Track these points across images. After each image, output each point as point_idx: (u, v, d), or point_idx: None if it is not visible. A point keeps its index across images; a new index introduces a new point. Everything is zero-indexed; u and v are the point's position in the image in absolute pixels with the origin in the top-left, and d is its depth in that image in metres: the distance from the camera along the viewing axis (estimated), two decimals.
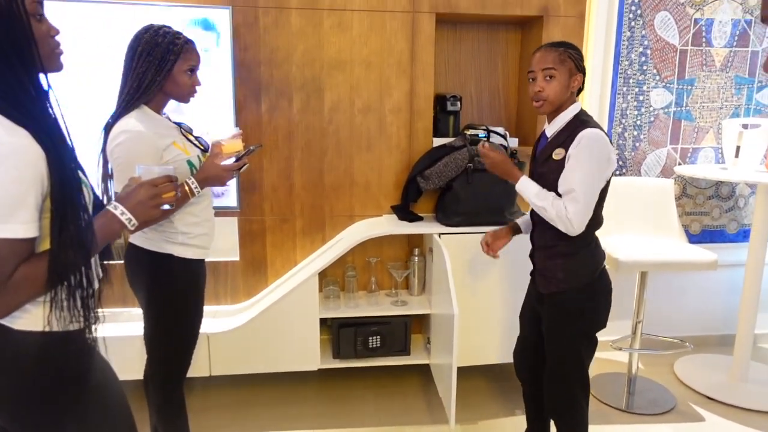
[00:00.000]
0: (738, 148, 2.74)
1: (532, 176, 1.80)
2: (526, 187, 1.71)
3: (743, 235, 3.18)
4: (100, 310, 1.55)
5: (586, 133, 1.60)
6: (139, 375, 1.98)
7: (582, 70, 1.69)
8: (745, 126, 2.74)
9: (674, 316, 3.23)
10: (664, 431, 2.42)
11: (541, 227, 1.78)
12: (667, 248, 2.61)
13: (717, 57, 2.99)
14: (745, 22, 2.96)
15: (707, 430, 2.43)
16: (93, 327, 1.09)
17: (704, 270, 2.53)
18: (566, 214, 1.61)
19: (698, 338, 3.20)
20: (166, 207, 1.19)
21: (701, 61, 2.98)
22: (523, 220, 1.96)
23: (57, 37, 1.09)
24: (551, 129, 1.73)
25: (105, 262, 1.28)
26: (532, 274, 1.91)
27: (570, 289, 1.72)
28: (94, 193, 1.21)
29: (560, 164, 1.65)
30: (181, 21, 2.37)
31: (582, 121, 1.67)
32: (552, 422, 2.08)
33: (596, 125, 1.65)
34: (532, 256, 1.88)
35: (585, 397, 1.81)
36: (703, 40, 2.96)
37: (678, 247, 2.65)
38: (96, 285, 1.12)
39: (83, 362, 1.11)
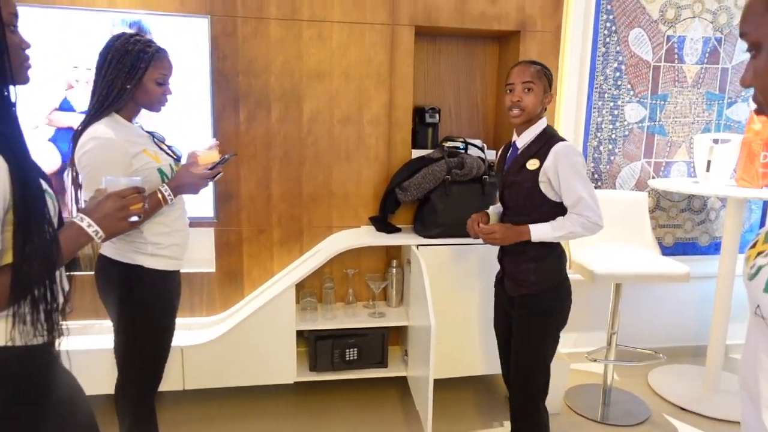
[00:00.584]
0: (709, 162, 2.80)
1: (503, 186, 1.87)
2: (542, 233, 1.76)
3: (715, 248, 3.25)
4: (65, 323, 1.51)
5: (560, 149, 1.74)
6: (109, 389, 1.93)
7: (551, 90, 1.82)
8: (715, 141, 2.81)
9: (648, 327, 3.28)
10: None
11: None
12: (641, 260, 2.64)
13: (689, 73, 3.06)
14: (716, 40, 3.04)
15: None
16: (57, 341, 1.06)
17: (677, 282, 2.57)
18: (589, 220, 1.72)
19: (672, 349, 3.25)
20: (134, 219, 1.18)
21: (674, 77, 3.05)
22: (492, 211, 2.04)
23: (27, 51, 1.07)
24: (522, 140, 1.84)
25: (72, 274, 1.26)
26: (500, 280, 1.96)
27: (541, 291, 1.81)
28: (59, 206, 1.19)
29: (534, 174, 1.76)
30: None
31: (551, 135, 1.81)
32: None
33: (562, 138, 1.80)
34: (501, 260, 1.93)
35: (543, 398, 1.87)
36: (676, 56, 3.03)
37: (652, 259, 2.69)
38: (61, 298, 1.09)
39: (46, 378, 1.08)
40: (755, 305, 0.70)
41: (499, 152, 2.00)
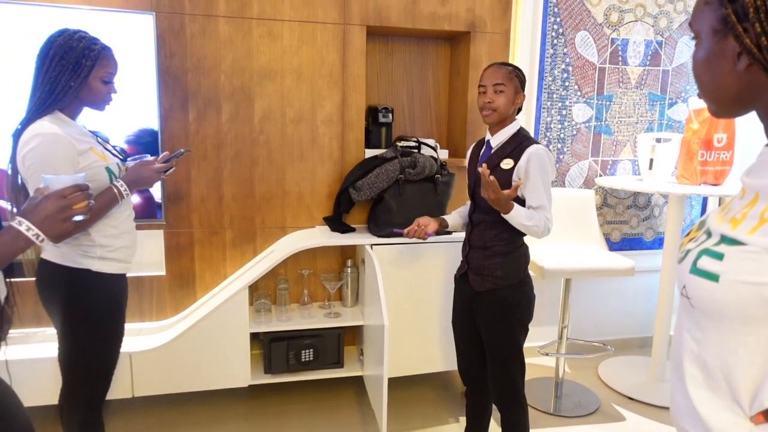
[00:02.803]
0: (651, 160, 2.91)
1: (475, 184, 1.90)
2: (518, 213, 1.78)
3: (659, 242, 3.38)
4: (3, 331, 1.45)
5: (535, 151, 1.80)
6: (53, 399, 1.86)
7: (522, 91, 1.87)
8: (657, 140, 2.92)
9: (598, 320, 3.38)
10: None
11: (479, 229, 1.90)
12: (589, 256, 2.73)
13: (632, 75, 3.18)
14: (657, 43, 3.17)
15: (628, 429, 2.55)
16: None
17: (623, 276, 2.66)
18: (549, 222, 1.82)
19: (620, 341, 3.37)
20: (78, 218, 1.12)
21: (618, 78, 3.16)
22: (452, 218, 2.08)
23: None
24: (496, 140, 1.88)
25: (10, 280, 1.20)
26: (462, 275, 1.97)
27: (506, 285, 1.86)
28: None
29: (509, 173, 1.82)
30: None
31: (525, 136, 1.87)
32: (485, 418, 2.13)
33: (537, 141, 1.86)
34: (467, 255, 1.95)
35: (523, 383, 1.93)
36: (620, 58, 3.14)
37: (599, 254, 2.77)
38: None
39: None
40: (682, 285, 0.74)
41: (470, 150, 2.04)
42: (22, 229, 1.04)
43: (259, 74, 2.52)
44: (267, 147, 2.59)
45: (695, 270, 0.71)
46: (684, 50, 3.21)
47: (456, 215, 2.11)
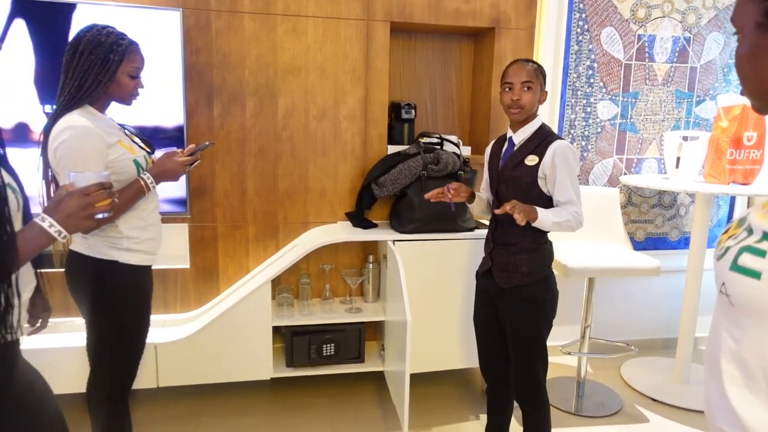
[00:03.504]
0: (678, 159, 2.87)
1: (499, 181, 1.89)
2: (546, 217, 1.77)
3: (684, 242, 3.32)
4: (44, 319, 1.47)
5: (559, 146, 1.79)
6: (81, 388, 1.90)
7: (545, 88, 1.88)
8: (684, 138, 2.88)
9: (621, 320, 3.34)
10: None
11: (504, 226, 1.88)
12: (613, 255, 2.70)
13: (659, 72, 3.13)
14: (685, 39, 3.12)
15: (652, 430, 2.52)
16: (12, 340, 1.03)
17: (648, 276, 2.63)
18: (580, 216, 1.81)
19: (643, 342, 3.32)
20: (101, 216, 1.14)
21: (644, 75, 3.11)
22: (479, 197, 2.03)
23: None
24: (519, 137, 1.88)
25: (40, 271, 1.22)
26: (486, 271, 1.96)
27: (532, 282, 1.85)
28: (26, 201, 1.15)
29: (533, 169, 1.81)
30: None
31: (548, 132, 1.86)
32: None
33: (560, 136, 1.85)
34: (490, 252, 1.94)
35: (545, 378, 1.92)
36: (646, 55, 3.09)
37: (623, 253, 2.74)
38: (22, 298, 1.05)
39: (4, 378, 1.04)
40: (721, 282, 0.72)
41: (490, 147, 2.03)
42: (45, 225, 1.05)
43: (283, 70, 2.53)
44: (290, 142, 2.60)
45: (736, 267, 0.69)
46: (712, 47, 3.15)
47: (484, 196, 2.04)
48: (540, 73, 1.85)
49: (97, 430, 1.90)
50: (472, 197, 1.99)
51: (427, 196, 1.93)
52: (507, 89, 1.84)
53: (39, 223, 1.05)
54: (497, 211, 1.75)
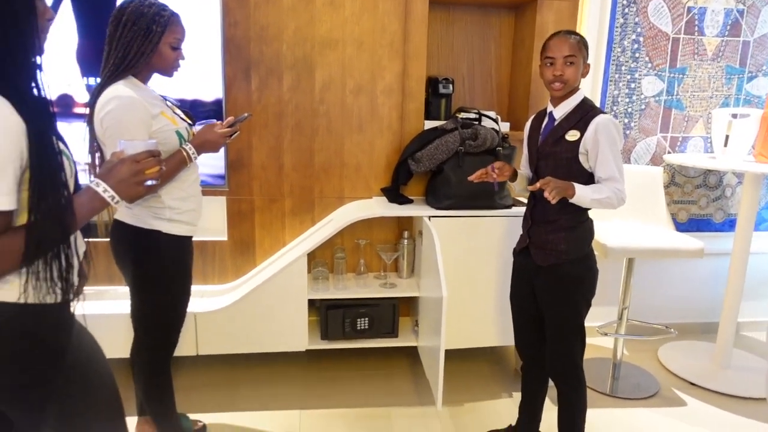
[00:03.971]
0: (727, 137, 2.75)
1: (538, 157, 1.85)
2: (584, 193, 1.72)
3: (729, 225, 3.21)
4: (81, 286, 1.53)
5: (602, 121, 1.73)
6: (125, 353, 1.96)
7: (587, 59, 1.80)
8: (734, 116, 2.76)
9: (659, 303, 3.27)
10: (647, 415, 2.45)
11: (542, 203, 1.83)
12: (654, 236, 2.62)
13: (709, 46, 3.00)
14: (738, 12, 2.97)
15: (689, 414, 2.47)
16: (71, 301, 1.07)
17: (691, 258, 2.55)
18: (622, 193, 1.75)
19: (682, 325, 3.24)
20: (150, 183, 1.17)
21: (693, 49, 2.99)
22: (519, 176, 1.96)
23: (49, 22, 1.06)
24: (559, 111, 1.82)
25: (87, 240, 1.26)
26: (524, 249, 1.93)
27: (571, 260, 1.81)
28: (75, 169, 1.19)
29: (575, 145, 1.76)
30: None
31: (590, 106, 1.79)
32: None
33: (603, 110, 1.81)
34: (528, 230, 1.90)
35: (582, 358, 1.90)
36: (696, 28, 2.96)
37: (665, 234, 2.66)
38: (76, 261, 1.09)
39: (62, 337, 1.09)
40: None
41: (529, 122, 1.97)
42: (99, 190, 1.08)
43: (321, 43, 2.52)
44: (327, 117, 2.60)
45: None
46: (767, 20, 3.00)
47: (524, 173, 1.99)
48: (583, 45, 1.78)
49: (140, 394, 1.98)
50: (514, 175, 1.95)
51: (471, 178, 1.89)
52: (548, 64, 1.77)
53: (93, 188, 1.08)
54: (530, 187, 1.74)
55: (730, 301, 2.76)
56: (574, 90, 1.80)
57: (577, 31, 2.73)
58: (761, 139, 2.65)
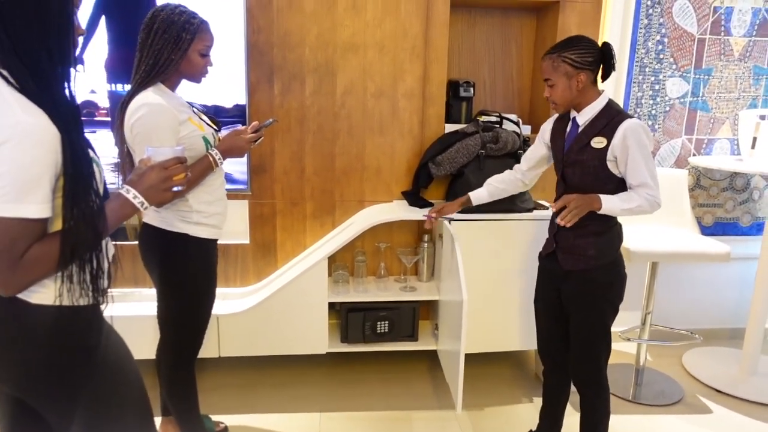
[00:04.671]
0: (755, 139, 2.70)
1: (564, 165, 1.83)
2: (611, 203, 1.71)
3: (757, 228, 3.15)
4: (110, 288, 1.57)
5: (630, 126, 1.68)
6: (151, 354, 2.00)
7: (584, 66, 1.72)
8: (762, 117, 2.70)
9: (684, 308, 3.21)
10: (671, 422, 2.42)
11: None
12: (679, 239, 2.59)
13: (735, 46, 2.94)
14: (766, 11, 2.91)
15: (714, 422, 2.43)
16: (103, 303, 1.11)
17: (717, 262, 2.51)
18: (655, 198, 1.71)
19: (708, 331, 3.18)
20: (177, 189, 1.19)
21: (719, 50, 2.93)
22: (477, 194, 2.11)
23: (80, 37, 1.10)
24: (582, 117, 1.78)
25: (115, 243, 1.29)
26: (550, 254, 1.91)
27: (599, 265, 1.79)
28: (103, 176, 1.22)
29: (602, 152, 1.72)
30: None
31: (616, 110, 1.75)
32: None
33: (629, 114, 1.74)
34: (555, 234, 1.89)
35: (606, 364, 1.89)
36: (722, 28, 2.91)
37: (690, 238, 2.62)
38: (106, 265, 1.13)
39: (93, 337, 1.12)
40: None
41: (550, 124, 1.94)
42: (129, 196, 1.12)
43: (343, 48, 2.53)
44: (348, 121, 2.61)
45: None
46: None
47: (484, 193, 2.11)
48: (562, 60, 1.71)
49: (164, 395, 2.01)
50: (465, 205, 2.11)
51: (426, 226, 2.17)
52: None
53: (124, 194, 1.11)
54: (552, 208, 1.74)
55: (758, 307, 2.70)
56: (591, 96, 1.75)
57: (600, 33, 2.72)
58: None
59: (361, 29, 2.52)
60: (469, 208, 2.42)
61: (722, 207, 3.13)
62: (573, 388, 2.00)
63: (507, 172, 2.13)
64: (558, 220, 1.70)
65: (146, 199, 1.13)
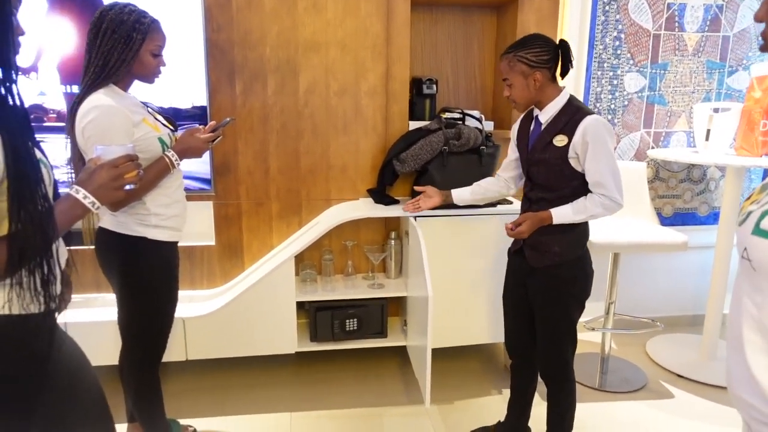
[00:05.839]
0: (708, 131, 2.79)
1: (529, 164, 1.84)
2: (564, 216, 1.76)
3: (714, 218, 3.25)
4: (63, 293, 1.53)
5: (590, 123, 1.69)
6: (114, 360, 1.97)
7: (539, 65, 1.74)
8: (715, 110, 2.79)
9: (646, 296, 3.30)
10: (636, 408, 2.48)
11: (539, 206, 1.83)
12: (639, 230, 2.65)
13: (689, 42, 3.03)
14: (717, 8, 3.00)
15: (676, 406, 2.50)
16: (54, 310, 1.08)
17: (675, 251, 2.59)
18: (611, 200, 1.72)
19: (669, 318, 3.28)
20: (129, 187, 1.17)
21: (674, 45, 3.02)
22: (459, 193, 2.14)
23: (21, 38, 1.07)
24: (545, 115, 1.80)
25: (71, 248, 1.27)
26: (518, 250, 1.93)
27: (565, 261, 1.81)
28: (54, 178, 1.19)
29: (564, 150, 1.73)
30: None
31: (577, 107, 1.75)
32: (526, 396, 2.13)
33: (590, 110, 1.74)
34: None
35: (573, 358, 1.92)
36: (676, 24, 2.99)
37: (650, 229, 2.69)
38: (59, 269, 1.10)
39: (46, 346, 1.09)
40: (743, 248, 0.71)
41: (517, 124, 1.95)
42: (79, 197, 1.09)
43: (304, 47, 2.53)
44: (311, 120, 2.61)
45: (758, 231, 0.68)
46: (747, 14, 3.03)
47: (467, 192, 2.13)
48: (518, 60, 1.73)
49: (129, 401, 1.98)
50: (446, 201, 2.15)
51: (405, 208, 2.20)
52: None
53: (74, 195, 1.09)
54: (508, 232, 1.82)
55: (715, 294, 2.80)
56: (551, 93, 1.77)
57: (558, 29, 2.77)
58: (742, 133, 2.69)
59: (322, 28, 2.52)
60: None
61: (681, 198, 3.22)
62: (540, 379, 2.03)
63: (492, 178, 2.16)
64: (509, 233, 1.81)
65: (97, 199, 1.11)
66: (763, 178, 3.24)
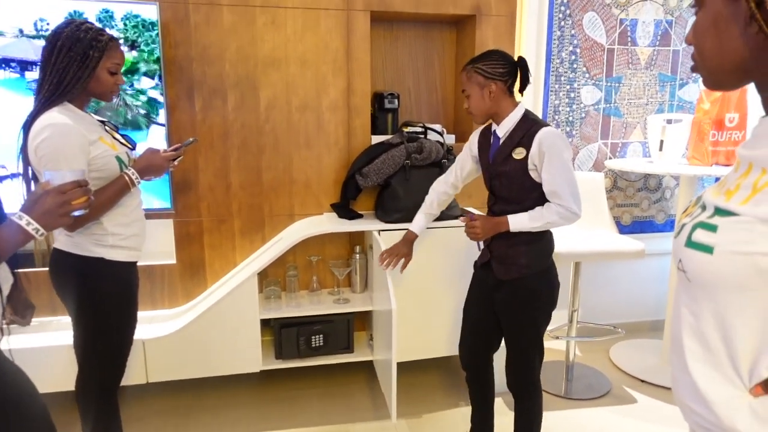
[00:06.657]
0: (662, 142, 2.88)
1: (491, 177, 1.87)
2: (520, 223, 1.78)
3: (670, 225, 3.35)
4: (27, 317, 1.48)
5: (544, 135, 1.73)
6: (70, 386, 1.90)
7: (495, 76, 1.77)
8: (668, 121, 2.89)
9: (608, 304, 3.37)
10: (600, 414, 2.52)
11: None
12: (598, 239, 2.71)
13: (642, 56, 3.14)
14: (667, 23, 3.12)
15: (639, 410, 2.55)
16: None
17: (633, 259, 2.65)
18: (568, 210, 1.74)
19: (631, 324, 3.35)
20: (78, 213, 1.14)
21: (627, 59, 3.12)
22: (418, 225, 2.12)
23: None
24: (502, 129, 1.83)
25: (22, 271, 1.23)
26: (485, 263, 1.94)
27: (531, 274, 1.83)
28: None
29: (523, 163, 1.76)
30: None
31: (532, 120, 1.79)
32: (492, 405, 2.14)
33: (545, 123, 1.79)
34: (489, 244, 1.92)
35: (540, 369, 1.93)
36: (629, 39, 3.10)
37: (608, 237, 2.76)
38: (3, 294, 1.06)
39: None
40: (678, 259, 0.73)
41: (476, 137, 1.97)
42: (22, 223, 1.06)
43: (264, 62, 2.52)
44: (273, 135, 2.60)
45: (690, 243, 0.70)
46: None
47: (422, 220, 2.11)
48: (476, 71, 1.78)
49: (87, 427, 1.91)
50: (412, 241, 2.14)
51: (382, 266, 2.14)
52: None
53: (16, 221, 1.06)
54: (461, 220, 1.86)
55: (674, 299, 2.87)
56: (507, 107, 1.80)
57: (516, 44, 2.83)
58: (693, 143, 2.79)
59: (282, 44, 2.52)
60: (396, 218, 2.46)
61: (638, 206, 3.31)
62: (503, 389, 2.04)
63: (433, 192, 2.12)
64: (467, 228, 1.83)
65: (42, 225, 1.08)
66: None
